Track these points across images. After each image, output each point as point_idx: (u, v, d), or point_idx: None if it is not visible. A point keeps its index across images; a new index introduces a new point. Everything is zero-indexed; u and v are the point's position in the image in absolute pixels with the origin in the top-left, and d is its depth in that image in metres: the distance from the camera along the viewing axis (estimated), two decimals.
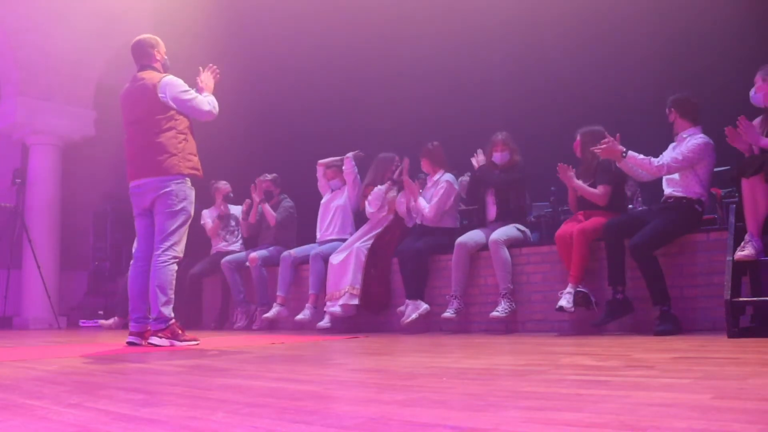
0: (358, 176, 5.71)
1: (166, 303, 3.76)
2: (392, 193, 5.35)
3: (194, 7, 7.71)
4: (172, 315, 3.81)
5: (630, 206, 4.76)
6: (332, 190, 5.94)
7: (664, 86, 4.54)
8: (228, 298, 6.39)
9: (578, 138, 4.43)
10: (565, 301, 3.97)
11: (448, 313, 4.57)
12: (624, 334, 3.91)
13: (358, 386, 1.97)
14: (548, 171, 4.45)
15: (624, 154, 3.96)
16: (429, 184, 5.21)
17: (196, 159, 3.95)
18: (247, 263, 6.03)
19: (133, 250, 4.16)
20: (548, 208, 5.42)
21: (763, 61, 3.75)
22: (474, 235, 4.74)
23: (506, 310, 4.43)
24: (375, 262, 5.20)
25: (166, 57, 4.07)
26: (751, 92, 3.71)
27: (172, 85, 3.88)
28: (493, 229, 4.64)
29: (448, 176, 5.09)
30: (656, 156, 4.03)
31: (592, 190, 4.25)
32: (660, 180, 4.11)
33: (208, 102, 3.95)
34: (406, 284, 4.92)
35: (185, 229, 3.89)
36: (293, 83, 7.40)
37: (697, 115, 4.02)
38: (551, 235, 4.55)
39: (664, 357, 2.41)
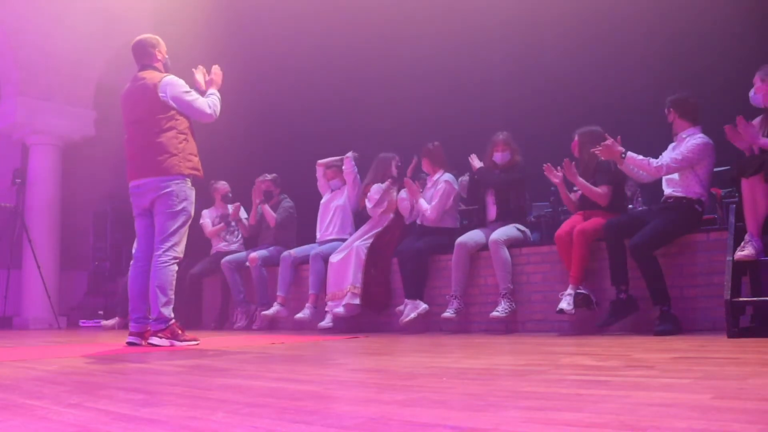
0: (358, 176, 5.71)
1: (166, 303, 3.76)
2: (393, 193, 5.35)
3: (194, 7, 7.71)
4: (172, 315, 3.80)
5: (630, 206, 4.76)
6: (332, 190, 5.94)
7: (664, 86, 4.54)
8: (228, 298, 6.39)
9: (576, 138, 4.43)
10: (566, 303, 3.97)
11: (448, 313, 4.57)
12: (624, 334, 3.91)
13: (358, 386, 1.97)
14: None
15: (623, 155, 3.96)
16: (429, 184, 5.22)
17: (196, 159, 3.94)
18: (247, 263, 6.03)
19: (133, 251, 4.16)
20: (548, 208, 5.43)
21: (764, 61, 3.75)
22: (474, 235, 4.75)
23: (506, 310, 4.43)
24: (375, 262, 5.20)
25: (167, 57, 4.07)
26: (751, 93, 3.71)
27: (173, 84, 3.88)
28: (493, 229, 4.65)
29: (448, 176, 5.10)
30: (656, 156, 4.03)
31: (594, 188, 4.25)
32: (660, 180, 4.11)
33: (209, 104, 3.94)
34: (406, 284, 4.92)
35: (185, 230, 3.89)
36: (293, 83, 7.40)
37: (697, 115, 4.02)
38: (551, 235, 4.55)
39: (664, 357, 2.41)
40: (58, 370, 2.50)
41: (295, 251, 5.79)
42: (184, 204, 3.84)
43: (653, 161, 3.94)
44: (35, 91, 8.25)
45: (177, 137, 3.84)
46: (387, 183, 5.34)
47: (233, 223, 6.66)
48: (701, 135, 3.94)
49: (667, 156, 3.98)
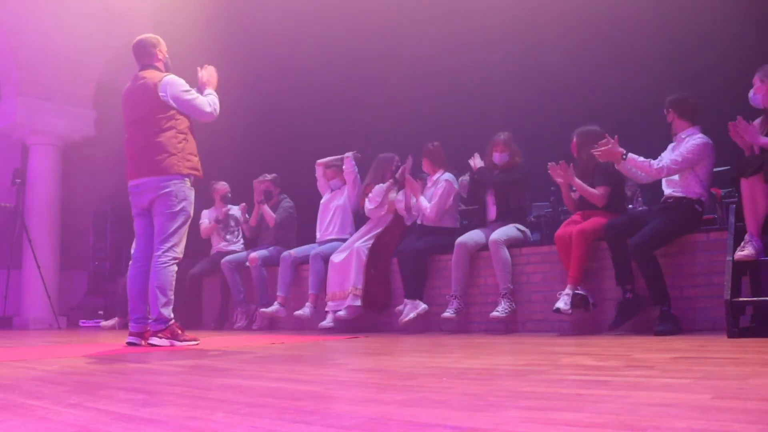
0: (358, 176, 5.71)
1: (166, 304, 3.76)
2: (393, 193, 5.35)
3: (194, 7, 7.71)
4: (172, 316, 3.80)
5: (630, 206, 4.76)
6: (332, 190, 5.94)
7: (664, 86, 4.54)
8: (228, 298, 6.39)
9: (574, 139, 4.44)
10: (563, 303, 3.97)
11: (448, 313, 4.57)
12: (624, 334, 3.91)
13: (358, 386, 1.97)
14: (548, 171, 4.45)
15: (624, 157, 3.96)
16: (429, 183, 5.22)
17: (195, 159, 3.94)
18: (247, 263, 6.03)
19: (132, 251, 4.15)
20: (548, 208, 5.42)
21: (764, 61, 3.75)
22: (474, 235, 4.75)
23: (506, 310, 4.43)
24: (375, 262, 5.20)
25: (167, 56, 4.07)
26: (750, 93, 3.71)
27: (173, 84, 3.87)
28: (493, 229, 4.65)
29: (448, 175, 5.10)
30: (656, 157, 4.03)
31: (591, 189, 4.25)
32: (660, 180, 4.10)
33: (209, 103, 3.94)
34: (406, 284, 4.92)
35: (185, 230, 3.89)
36: (293, 83, 7.40)
37: (696, 115, 4.01)
38: (551, 235, 4.55)
39: (664, 357, 2.41)
40: (58, 370, 2.50)
41: (295, 251, 5.79)
42: (183, 204, 3.83)
43: (654, 163, 3.94)
44: (35, 91, 8.25)
45: (176, 137, 3.84)
46: (388, 183, 5.34)
47: (233, 223, 6.66)
48: (700, 135, 3.94)
49: (667, 157, 3.98)
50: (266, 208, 6.22)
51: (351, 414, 1.39)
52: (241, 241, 6.69)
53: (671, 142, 4.12)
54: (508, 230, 4.63)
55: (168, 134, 3.82)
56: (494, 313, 4.42)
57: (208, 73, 4.06)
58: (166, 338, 3.76)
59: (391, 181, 5.35)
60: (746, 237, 3.37)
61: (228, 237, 6.66)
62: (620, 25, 5.54)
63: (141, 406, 1.54)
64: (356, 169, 5.70)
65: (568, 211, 4.67)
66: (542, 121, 5.66)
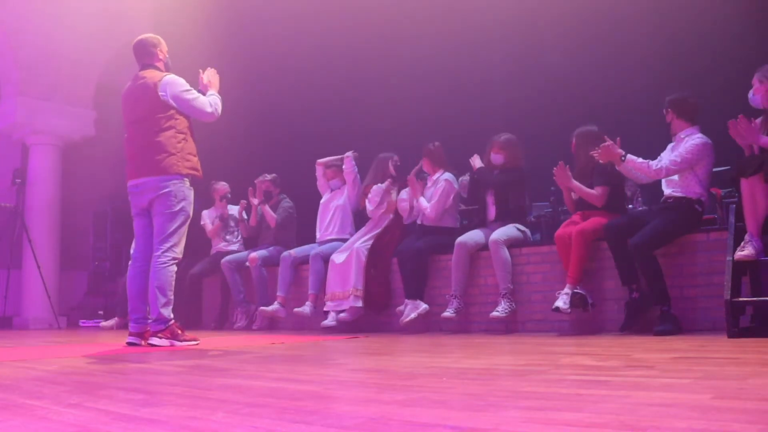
0: (358, 176, 5.71)
1: (166, 304, 3.76)
2: (392, 193, 5.35)
3: (194, 8, 7.71)
4: (172, 316, 3.80)
5: (630, 206, 4.76)
6: (331, 190, 5.93)
7: (664, 86, 4.54)
8: (228, 298, 6.39)
9: (573, 140, 4.44)
10: (562, 302, 3.97)
11: (448, 313, 4.57)
12: (624, 334, 3.91)
13: (358, 386, 1.97)
14: (548, 171, 4.45)
15: (623, 158, 3.96)
16: (429, 183, 5.22)
17: (195, 159, 3.93)
18: (247, 263, 6.03)
19: (131, 251, 4.15)
20: (548, 208, 5.42)
21: (764, 61, 3.75)
22: (474, 235, 4.75)
23: (506, 310, 4.43)
24: (375, 262, 5.20)
25: (167, 56, 4.07)
26: (750, 94, 3.71)
27: (173, 83, 3.87)
28: (493, 230, 4.65)
29: (448, 175, 5.10)
30: (656, 157, 4.03)
31: (588, 190, 4.25)
32: (659, 180, 4.10)
33: (210, 103, 3.94)
34: (406, 284, 4.92)
35: (184, 230, 3.88)
36: (293, 83, 7.40)
37: (695, 115, 4.01)
38: (551, 235, 4.55)
39: (664, 357, 2.41)
40: (58, 370, 2.50)
41: (295, 251, 5.79)
42: (182, 204, 3.83)
43: (653, 164, 3.94)
44: (35, 91, 8.25)
45: (176, 136, 3.84)
46: (387, 183, 5.34)
47: (232, 223, 6.66)
48: (700, 135, 3.94)
49: (666, 158, 3.98)
50: (267, 208, 6.22)
51: (351, 414, 1.39)
52: (241, 241, 6.69)
53: (671, 142, 4.12)
54: (508, 230, 4.63)
55: (167, 134, 3.82)
56: (494, 313, 4.42)
57: (209, 75, 4.05)
58: (166, 338, 3.76)
59: (389, 180, 5.35)
60: (746, 237, 3.37)
61: (228, 237, 6.67)
62: (620, 25, 5.54)
63: (141, 406, 1.54)
64: (356, 169, 5.70)
65: (568, 211, 4.67)
66: (542, 121, 5.66)
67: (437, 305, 4.86)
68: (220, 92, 4.06)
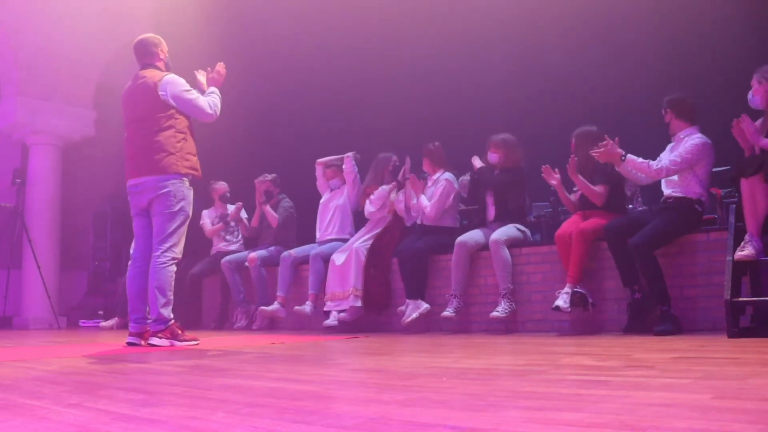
0: (358, 175, 5.71)
1: (166, 304, 3.76)
2: (393, 194, 5.35)
3: (194, 8, 7.71)
4: (172, 316, 3.80)
5: (630, 206, 4.76)
6: (331, 190, 5.93)
7: (664, 86, 4.55)
8: (228, 298, 6.39)
9: (573, 140, 4.44)
10: (562, 301, 3.97)
11: (448, 312, 4.57)
12: (624, 334, 3.91)
13: (358, 386, 1.97)
14: (544, 173, 4.45)
15: (623, 158, 3.96)
16: (429, 183, 5.22)
17: (194, 159, 3.93)
18: (246, 263, 6.03)
19: (131, 251, 4.14)
20: (548, 208, 5.42)
21: (764, 61, 3.75)
22: (474, 235, 4.75)
23: (506, 310, 4.43)
24: (374, 262, 5.20)
25: (168, 57, 4.06)
26: (749, 95, 3.71)
27: (173, 83, 3.87)
28: (493, 230, 4.65)
29: (448, 175, 5.10)
30: (656, 158, 4.03)
31: (591, 186, 4.25)
32: (659, 180, 4.10)
33: (209, 103, 3.93)
34: (407, 284, 4.92)
35: (184, 230, 3.88)
36: (293, 83, 7.40)
37: (694, 115, 4.02)
38: (551, 235, 4.55)
39: (664, 357, 2.41)
40: (58, 370, 2.50)
41: (295, 251, 5.79)
42: (182, 204, 3.83)
43: (653, 164, 3.94)
44: (35, 91, 8.25)
45: (175, 136, 3.83)
46: (391, 186, 5.34)
47: (232, 223, 6.66)
48: (699, 135, 3.94)
49: (666, 158, 3.98)
50: (268, 208, 6.21)
51: (351, 414, 1.39)
52: (241, 241, 6.69)
53: (670, 142, 4.12)
54: (509, 230, 4.63)
55: (167, 133, 3.82)
56: (494, 313, 4.42)
57: (218, 70, 4.04)
58: (166, 338, 3.76)
59: (394, 183, 5.35)
60: (746, 237, 3.37)
61: (228, 237, 6.67)
62: (620, 25, 5.54)
63: (141, 406, 1.54)
64: (356, 169, 5.70)
65: (568, 211, 4.67)
66: (542, 121, 5.66)
67: (437, 305, 4.86)
68: (221, 90, 4.06)
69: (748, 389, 1.54)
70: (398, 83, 6.60)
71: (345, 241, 5.58)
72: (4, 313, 7.65)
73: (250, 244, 6.61)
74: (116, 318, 6.76)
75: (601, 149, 3.98)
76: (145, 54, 4.00)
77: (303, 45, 7.23)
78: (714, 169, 4.02)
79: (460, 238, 4.72)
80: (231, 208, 6.68)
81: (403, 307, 4.91)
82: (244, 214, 6.57)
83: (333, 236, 5.74)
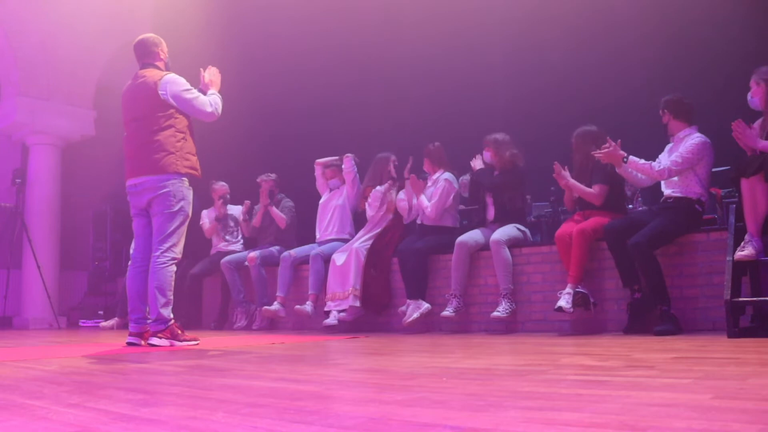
0: (358, 175, 5.71)
1: (166, 304, 3.75)
2: (392, 193, 5.35)
3: (195, 8, 7.71)
4: (172, 316, 3.80)
5: (630, 206, 4.76)
6: (330, 190, 5.93)
7: (664, 86, 4.54)
8: (228, 298, 6.39)
9: (573, 140, 4.44)
10: (564, 301, 3.97)
11: (448, 312, 4.58)
12: (624, 334, 3.91)
13: (358, 386, 1.97)
14: (548, 171, 4.45)
15: (625, 160, 3.96)
16: (429, 183, 5.22)
17: (194, 158, 3.93)
18: (246, 263, 6.03)
19: (131, 251, 4.14)
20: (548, 208, 5.43)
21: (763, 61, 3.75)
22: (474, 235, 4.75)
23: (507, 311, 4.43)
24: (374, 262, 5.20)
25: (168, 57, 4.06)
26: (749, 96, 3.71)
27: (173, 83, 3.86)
28: (493, 230, 4.65)
29: (447, 175, 5.11)
30: (655, 158, 4.03)
31: (586, 189, 4.26)
32: (659, 181, 4.10)
33: (210, 103, 3.93)
34: (407, 284, 4.92)
35: (184, 230, 3.88)
36: (293, 83, 7.40)
37: (691, 115, 4.02)
38: (551, 235, 4.56)
39: (664, 357, 2.41)
40: (58, 370, 2.50)
41: (295, 251, 5.79)
42: (181, 204, 3.82)
43: (655, 165, 3.94)
44: (35, 91, 8.25)
45: (175, 135, 3.83)
46: (387, 185, 5.34)
47: (232, 224, 6.66)
48: (698, 134, 3.95)
49: (666, 159, 3.98)
50: (275, 209, 6.21)
51: (351, 414, 1.39)
52: (241, 241, 6.69)
53: (669, 143, 4.12)
54: (509, 230, 4.64)
55: (166, 133, 3.81)
56: (495, 314, 4.42)
57: (211, 74, 4.05)
58: (166, 338, 3.75)
59: (389, 182, 5.35)
60: (746, 237, 3.37)
61: (228, 237, 6.66)
62: (620, 25, 5.54)
63: (141, 406, 1.54)
64: (355, 169, 5.70)
65: (568, 211, 4.67)
66: (542, 121, 5.66)
67: (437, 305, 4.86)
68: (220, 91, 4.06)
69: (748, 389, 1.54)
70: (398, 83, 6.60)
71: (345, 241, 5.58)
72: (4, 313, 7.65)
73: (250, 244, 6.61)
74: (116, 318, 6.76)
75: (604, 151, 3.98)
76: (145, 54, 3.99)
77: (303, 45, 7.22)
78: (714, 169, 4.02)
79: (460, 238, 4.73)
80: (233, 209, 6.68)
81: (403, 308, 4.91)
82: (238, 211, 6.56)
83: (333, 236, 5.74)
